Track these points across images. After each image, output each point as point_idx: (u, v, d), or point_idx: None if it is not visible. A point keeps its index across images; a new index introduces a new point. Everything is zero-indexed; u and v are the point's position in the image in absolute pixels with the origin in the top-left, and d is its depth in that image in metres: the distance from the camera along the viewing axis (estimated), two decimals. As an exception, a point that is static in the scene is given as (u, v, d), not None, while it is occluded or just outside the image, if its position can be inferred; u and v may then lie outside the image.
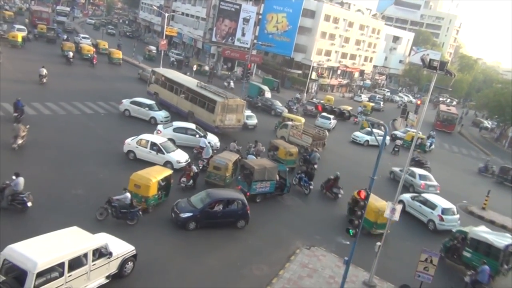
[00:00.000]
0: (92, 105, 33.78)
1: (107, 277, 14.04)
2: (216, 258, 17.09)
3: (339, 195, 25.30)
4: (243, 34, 65.38)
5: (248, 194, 21.87)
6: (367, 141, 40.35)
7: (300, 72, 73.02)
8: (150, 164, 22.60)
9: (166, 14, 57.83)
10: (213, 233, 18.74)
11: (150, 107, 33.14)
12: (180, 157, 24.97)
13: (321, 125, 41.16)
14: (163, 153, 24.51)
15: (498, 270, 18.76)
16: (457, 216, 24.67)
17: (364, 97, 74.12)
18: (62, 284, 12.39)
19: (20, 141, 22.76)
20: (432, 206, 24.40)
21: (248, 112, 36.90)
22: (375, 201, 21.27)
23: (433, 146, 46.00)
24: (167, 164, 24.14)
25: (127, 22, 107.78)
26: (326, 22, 72.23)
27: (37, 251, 12.11)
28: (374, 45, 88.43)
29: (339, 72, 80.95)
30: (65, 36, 58.88)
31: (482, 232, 20.39)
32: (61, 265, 12.31)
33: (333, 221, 22.15)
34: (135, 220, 18.08)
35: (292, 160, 28.57)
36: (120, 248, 14.63)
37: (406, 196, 25.98)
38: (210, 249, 17.56)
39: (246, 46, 63.87)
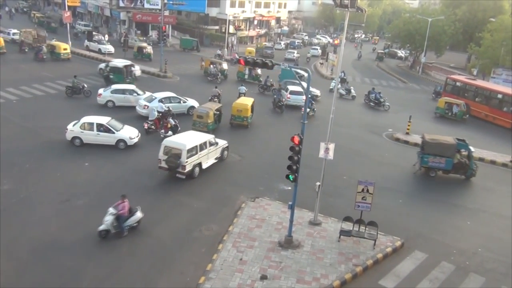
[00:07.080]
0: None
1: (215, 159, 22.64)
2: (164, 227, 17.05)
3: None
4: (152, -5, 62.32)
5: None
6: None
7: (217, 27, 71.57)
8: (101, 147, 23.46)
9: (64, -17, 53.42)
10: (156, 203, 18.62)
11: (134, 91, 31.32)
12: (131, 133, 24.25)
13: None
14: (113, 132, 23.62)
15: (122, 80, 33.24)
16: (302, 96, 32.48)
17: (283, 44, 74.65)
18: (197, 159, 20.84)
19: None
20: (286, 90, 36.55)
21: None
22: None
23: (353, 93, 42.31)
24: (120, 142, 23.56)
25: None
26: (235, -28, 70.68)
27: (183, 140, 20.81)
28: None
29: (255, 22, 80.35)
30: None
31: (116, 62, 36.43)
32: (196, 147, 20.65)
33: (274, 170, 22.61)
34: None
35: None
36: (220, 142, 23.09)
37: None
38: (157, 221, 17.42)
39: (157, 7, 60.98)
